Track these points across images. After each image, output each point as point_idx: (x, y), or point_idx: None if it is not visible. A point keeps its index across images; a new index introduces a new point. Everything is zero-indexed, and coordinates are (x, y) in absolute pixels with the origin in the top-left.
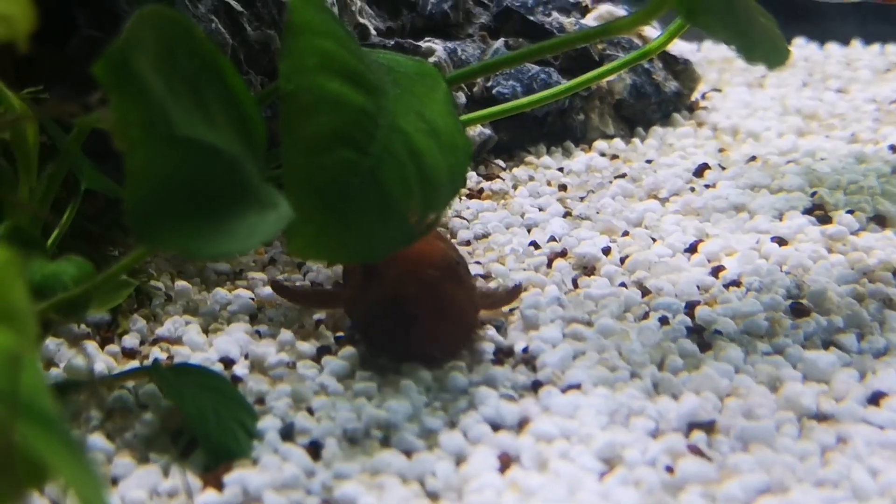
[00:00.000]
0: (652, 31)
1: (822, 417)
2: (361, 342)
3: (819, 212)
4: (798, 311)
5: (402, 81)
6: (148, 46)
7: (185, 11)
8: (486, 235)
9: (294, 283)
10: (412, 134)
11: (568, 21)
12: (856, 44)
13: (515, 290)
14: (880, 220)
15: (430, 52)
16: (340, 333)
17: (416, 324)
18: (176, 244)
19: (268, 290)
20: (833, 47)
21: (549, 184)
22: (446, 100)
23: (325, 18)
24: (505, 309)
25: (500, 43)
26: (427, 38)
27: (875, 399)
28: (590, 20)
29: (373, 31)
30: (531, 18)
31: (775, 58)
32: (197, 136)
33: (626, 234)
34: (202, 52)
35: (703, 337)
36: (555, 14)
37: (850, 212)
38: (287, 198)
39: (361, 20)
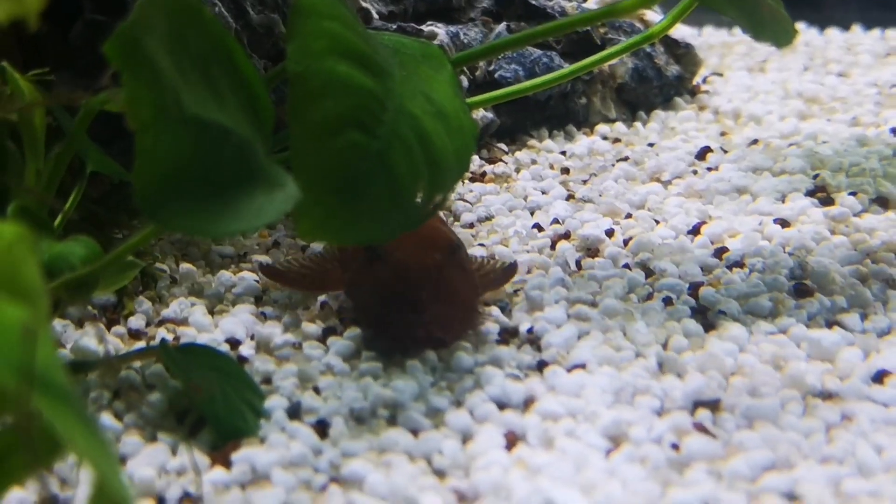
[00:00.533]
0: (654, 16)
1: (826, 396)
2: (365, 326)
3: (821, 194)
4: (801, 291)
5: (407, 63)
6: (157, 27)
7: None
8: (489, 218)
9: (289, 261)
10: (420, 116)
11: (570, 5)
12: (856, 29)
13: (511, 269)
14: (882, 202)
15: (433, 36)
16: (344, 317)
17: (421, 308)
18: (185, 224)
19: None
20: (834, 32)
21: (551, 167)
22: (452, 81)
23: (331, 1)
24: (508, 289)
25: (502, 27)
26: (429, 23)
27: (879, 377)
28: (591, 4)
29: (375, 16)
30: (533, 3)
31: (783, 37)
32: (207, 117)
33: (629, 216)
34: (211, 34)
35: (707, 317)
36: None
37: (853, 194)
38: (295, 180)
39: (364, 4)
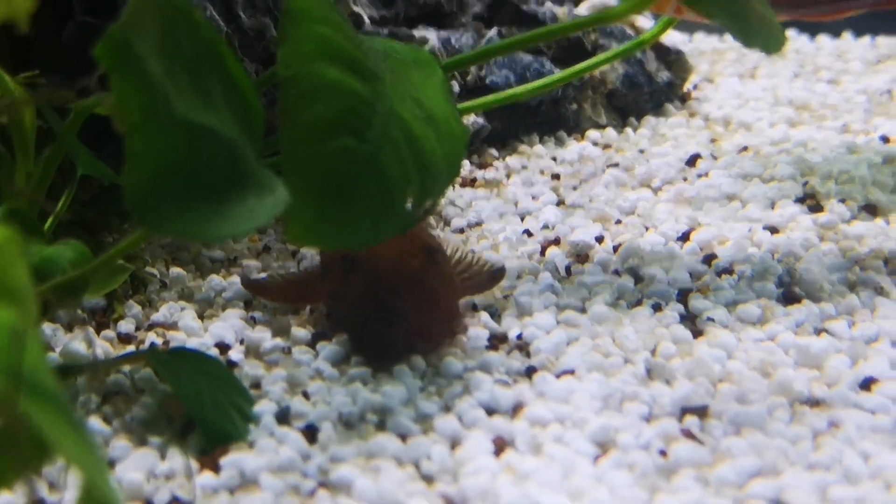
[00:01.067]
0: (645, 22)
1: (814, 402)
2: (349, 339)
3: (811, 201)
4: (790, 298)
5: (398, 68)
6: (148, 30)
7: None
8: (479, 223)
9: (278, 272)
10: (409, 121)
11: (561, 11)
12: (847, 36)
13: (499, 273)
14: (871, 209)
15: (424, 41)
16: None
17: (400, 316)
18: (175, 227)
19: (262, 276)
20: (824, 39)
21: (542, 173)
22: (442, 86)
23: (322, 5)
24: (498, 295)
25: (493, 32)
26: (421, 27)
27: (867, 384)
28: (583, 10)
29: (367, 20)
30: (524, 8)
31: (773, 44)
32: (197, 120)
33: (619, 222)
34: (202, 37)
35: (695, 324)
36: (548, 4)
37: (842, 201)
38: (286, 184)
39: (356, 9)
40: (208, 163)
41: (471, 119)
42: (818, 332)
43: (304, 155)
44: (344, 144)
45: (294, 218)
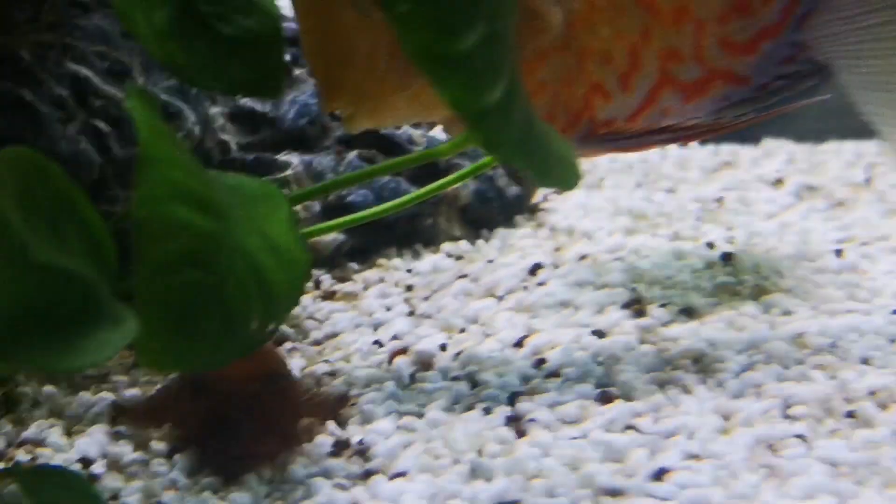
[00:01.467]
0: None
1: (614, 492)
2: (194, 456)
3: (636, 306)
4: (605, 398)
5: (246, 203)
6: (7, 184)
7: (55, 132)
8: (335, 335)
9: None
10: (254, 253)
11: (417, 133)
12: (694, 144)
13: (342, 400)
14: (689, 312)
15: (287, 164)
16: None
17: (240, 437)
18: (33, 360)
19: (130, 392)
20: (672, 148)
21: (396, 285)
22: (288, 218)
23: (173, 150)
24: (347, 405)
25: (353, 155)
26: (285, 151)
27: (660, 475)
28: (438, 132)
29: (234, 147)
30: (382, 133)
31: (567, 181)
32: (52, 263)
33: (462, 330)
34: (58, 188)
35: (520, 425)
36: (405, 127)
37: (663, 305)
38: (138, 315)
39: (223, 136)
40: (63, 300)
41: (331, 236)
42: (626, 428)
43: (155, 288)
44: (191, 278)
45: (144, 346)
